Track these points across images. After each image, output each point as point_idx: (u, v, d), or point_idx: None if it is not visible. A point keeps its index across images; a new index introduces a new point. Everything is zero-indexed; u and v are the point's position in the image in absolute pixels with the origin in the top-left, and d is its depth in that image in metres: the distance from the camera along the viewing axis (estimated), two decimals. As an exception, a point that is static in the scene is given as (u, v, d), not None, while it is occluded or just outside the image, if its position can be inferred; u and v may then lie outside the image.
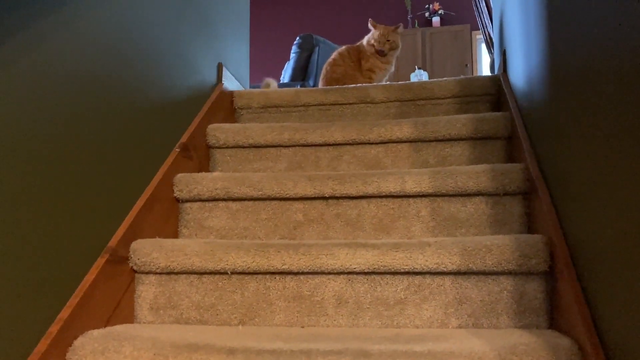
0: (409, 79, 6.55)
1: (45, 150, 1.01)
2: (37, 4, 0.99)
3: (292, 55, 4.04)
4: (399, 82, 1.93)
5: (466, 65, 6.86)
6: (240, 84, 2.25)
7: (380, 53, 2.42)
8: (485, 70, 7.00)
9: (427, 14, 7.24)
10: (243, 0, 2.40)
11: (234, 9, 2.24)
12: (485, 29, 2.91)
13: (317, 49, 3.98)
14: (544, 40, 1.23)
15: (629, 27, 0.73)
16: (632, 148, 0.73)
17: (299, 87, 3.79)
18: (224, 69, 2.02)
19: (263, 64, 7.50)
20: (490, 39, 2.73)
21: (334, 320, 1.20)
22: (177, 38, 1.62)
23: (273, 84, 2.32)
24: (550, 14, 1.18)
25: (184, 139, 1.63)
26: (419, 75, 5.77)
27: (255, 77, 7.29)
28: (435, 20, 7.16)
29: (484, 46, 6.87)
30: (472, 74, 6.86)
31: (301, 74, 3.95)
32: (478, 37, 6.97)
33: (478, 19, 3.01)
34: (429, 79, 6.51)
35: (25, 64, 0.96)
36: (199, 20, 1.81)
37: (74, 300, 1.06)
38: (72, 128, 1.10)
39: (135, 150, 1.36)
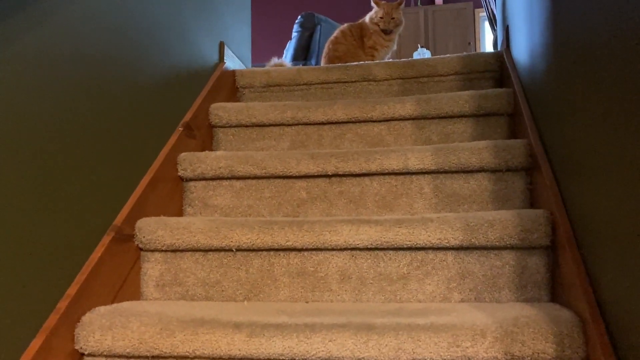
0: (412, 57, 6.50)
1: (50, 130, 1.01)
2: (38, -19, 0.99)
3: (294, 35, 4.02)
4: (402, 60, 1.93)
5: (469, 43, 6.80)
6: (242, 63, 2.25)
7: (386, 32, 2.40)
8: (489, 48, 6.94)
9: (429, -8, 7.15)
10: (244, -22, 2.38)
11: (235, -13, 2.22)
12: (489, 6, 2.88)
13: (318, 27, 3.95)
14: (547, 16, 1.22)
15: (635, 2, 0.73)
16: (635, 123, 0.73)
17: (301, 65, 3.78)
18: (225, 47, 2.01)
19: (265, 44, 7.45)
20: (493, 15, 2.71)
21: (338, 296, 1.22)
22: (178, 16, 1.62)
23: (286, 65, 2.31)
24: (553, -13, 1.17)
25: (187, 118, 1.63)
26: (422, 54, 5.73)
27: (258, 56, 7.25)
28: (438, -3, 7.07)
29: (487, 24, 6.80)
30: (475, 52, 6.81)
31: (303, 53, 3.93)
32: (481, 14, 6.90)
33: (481, -4, 2.98)
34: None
35: (29, 40, 0.96)
36: (200, -2, 1.80)
37: (81, 277, 1.08)
38: (76, 107, 1.10)
39: (138, 129, 1.36)
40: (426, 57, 5.64)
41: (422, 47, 6.20)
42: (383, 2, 2.46)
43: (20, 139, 0.94)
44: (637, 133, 0.72)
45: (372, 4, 2.49)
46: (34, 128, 0.97)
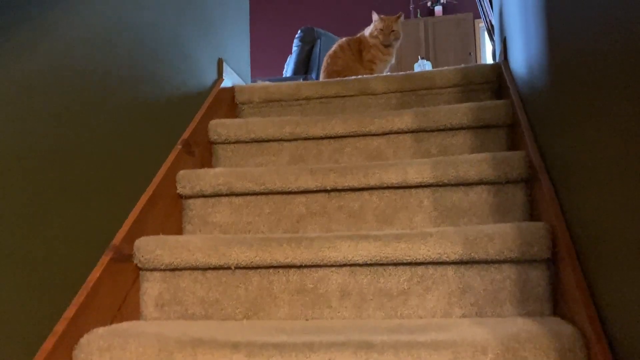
0: (413, 69, 6.53)
1: (48, 149, 1.01)
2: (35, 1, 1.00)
3: (294, 49, 4.04)
4: (400, 73, 1.93)
5: (470, 53, 6.82)
6: (242, 78, 2.25)
7: (386, 45, 2.42)
8: (489, 58, 6.96)
9: (429, 3, 7.19)
10: (242, -5, 2.39)
11: (233, 4, 2.24)
12: (487, 17, 2.89)
13: (318, 41, 3.97)
14: (543, 28, 1.22)
15: (627, 13, 0.73)
16: (632, 134, 0.73)
17: (301, 80, 3.79)
18: (224, 64, 2.02)
19: (265, 58, 7.49)
20: (492, 26, 2.72)
21: (338, 313, 1.21)
22: (177, 34, 1.63)
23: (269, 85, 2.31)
24: (547, 1, 1.17)
25: (185, 135, 1.64)
26: (422, 65, 5.75)
27: (257, 71, 7.28)
28: (438, 9, 7.11)
29: (487, 34, 6.82)
30: (476, 62, 6.82)
31: (303, 67, 3.95)
32: (481, 25, 6.93)
33: (479, 7, 3.00)
34: (433, 68, 6.49)
35: (28, 59, 0.96)
36: (198, 16, 1.81)
37: (79, 299, 1.07)
38: (73, 125, 1.10)
39: (137, 147, 1.36)
40: (427, 68, 5.66)
41: (422, 58, 6.22)
42: (382, 15, 2.47)
43: (15, 157, 0.94)
44: (635, 144, 0.72)
45: (374, 17, 2.50)
46: (30, 147, 0.97)
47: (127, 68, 1.33)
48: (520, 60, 1.55)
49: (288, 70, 4.06)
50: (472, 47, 6.83)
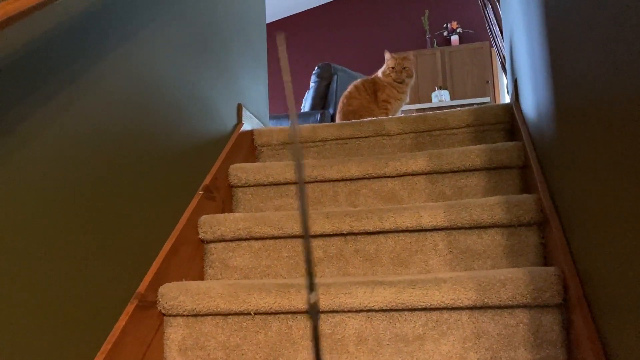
0: (430, 99, 6.58)
1: (74, 204, 1.08)
2: (69, 68, 1.07)
3: (312, 85, 4.12)
4: (414, 115, 1.98)
5: (487, 81, 6.85)
6: (260, 121, 2.32)
7: (399, 81, 2.48)
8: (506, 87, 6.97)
9: (445, 33, 7.28)
10: (260, 40, 2.48)
11: (251, 50, 2.33)
12: (500, 52, 2.94)
13: (335, 77, 4.05)
14: (549, 76, 1.26)
15: (628, 67, 0.77)
16: (637, 180, 0.76)
17: (319, 115, 3.86)
18: (243, 109, 2.10)
19: (283, 94, 7.62)
20: (505, 60, 2.76)
21: (356, 358, 1.24)
22: (196, 85, 1.70)
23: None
24: (552, 49, 1.21)
25: (206, 181, 1.70)
26: (440, 95, 5.80)
27: (276, 107, 7.41)
28: (454, 38, 7.19)
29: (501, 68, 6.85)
30: (494, 90, 6.85)
31: (321, 103, 4.02)
32: (496, 56, 6.96)
33: (492, 42, 3.05)
34: (450, 98, 6.53)
35: (56, 125, 1.03)
36: (218, 65, 1.90)
37: (107, 347, 1.12)
38: (99, 181, 1.17)
39: (160, 196, 1.43)
40: (444, 98, 5.70)
41: (440, 87, 6.27)
42: (394, 54, 2.54)
43: (51, 212, 1.00)
44: (636, 190, 0.75)
45: (386, 55, 2.57)
46: (64, 201, 1.04)
47: (150, 124, 1.40)
48: (530, 103, 1.58)
49: (306, 105, 4.14)
50: (489, 75, 6.87)
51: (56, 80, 1.05)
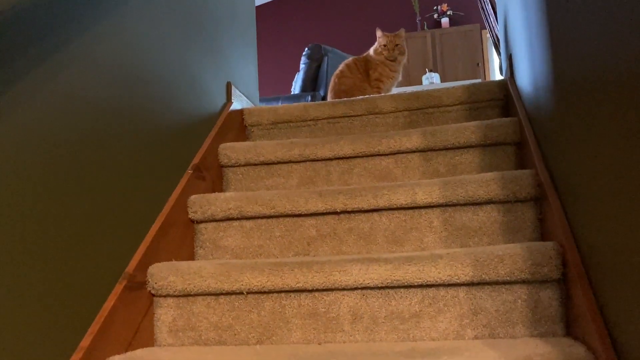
0: (421, 82, 6.54)
1: (60, 180, 1.04)
2: (60, 36, 1.02)
3: (302, 66, 4.07)
4: (407, 92, 1.94)
5: (478, 64, 6.83)
6: (250, 101, 2.28)
7: (392, 59, 2.44)
8: (497, 69, 6.95)
9: (435, 16, 7.23)
10: (249, 20, 2.43)
11: (240, 29, 2.27)
12: (493, 31, 2.90)
13: (326, 58, 4.00)
14: (547, 48, 1.23)
15: (629, 35, 0.74)
16: (637, 153, 0.73)
17: (309, 97, 3.81)
18: (233, 87, 2.05)
19: (273, 76, 7.55)
20: (498, 39, 2.73)
21: (351, 336, 1.21)
22: (186, 62, 1.66)
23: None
24: (551, 21, 1.18)
25: (196, 160, 1.66)
26: (430, 78, 5.76)
27: (266, 89, 7.34)
28: (444, 21, 7.15)
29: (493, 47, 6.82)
30: (485, 73, 6.83)
31: (311, 85, 3.98)
32: (488, 36, 6.94)
33: (485, 21, 3.01)
34: (441, 80, 6.50)
35: (44, 92, 0.99)
36: (207, 42, 1.85)
37: (94, 328, 1.09)
38: (86, 156, 1.13)
39: (149, 174, 1.39)
40: (435, 80, 5.67)
41: (430, 70, 6.23)
42: (386, 33, 2.50)
43: (30, 189, 0.96)
44: (635, 162, 0.72)
45: (377, 33, 2.53)
46: (47, 178, 0.99)
47: (138, 100, 1.36)
48: (526, 78, 1.55)
49: (296, 87, 4.09)
50: (479, 58, 6.84)
51: (43, 47, 1.00)
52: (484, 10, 2.99)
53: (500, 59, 2.70)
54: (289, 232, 1.50)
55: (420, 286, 1.20)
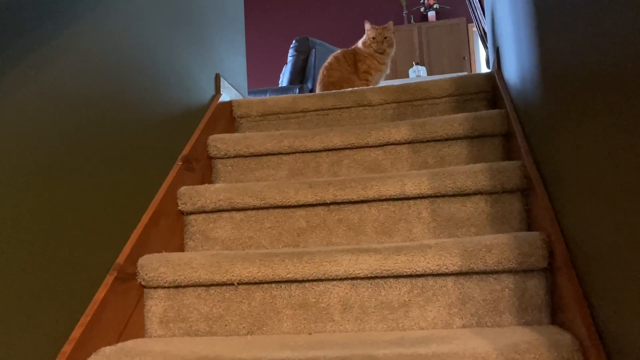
0: (408, 75, 6.56)
1: (51, 172, 1.03)
2: (44, 27, 1.02)
3: (290, 59, 4.07)
4: (395, 84, 1.95)
5: (464, 57, 6.86)
6: (239, 92, 2.28)
7: (381, 52, 2.45)
8: (484, 62, 7.00)
9: (422, 9, 7.24)
10: (237, 10, 2.42)
11: (228, 20, 2.26)
12: (480, 24, 2.92)
13: (313, 51, 4.00)
14: (534, 41, 1.25)
15: (617, 29, 0.75)
16: (623, 145, 0.75)
17: (297, 90, 3.81)
18: (221, 79, 2.04)
19: (261, 69, 7.53)
20: (485, 33, 2.75)
21: (341, 326, 1.23)
22: (173, 53, 1.65)
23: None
24: (538, 14, 1.19)
25: (185, 151, 1.66)
26: (417, 71, 5.78)
27: (254, 82, 7.32)
28: (431, 14, 7.16)
29: (480, 40, 6.86)
30: (471, 67, 6.87)
31: (299, 77, 3.97)
32: (474, 29, 6.97)
33: (472, 14, 3.03)
34: (427, 74, 6.52)
35: (32, 85, 0.98)
36: (194, 33, 1.84)
37: (85, 319, 1.09)
38: (74, 149, 1.12)
39: (138, 166, 1.38)
40: (422, 74, 5.69)
41: (417, 64, 6.25)
42: (374, 25, 2.50)
43: (20, 181, 0.95)
44: (625, 152, 0.74)
45: (366, 26, 2.53)
46: (34, 171, 0.99)
47: (126, 91, 1.35)
48: (514, 71, 1.57)
49: (284, 80, 4.09)
50: (465, 51, 6.88)
51: (27, 40, 0.99)
52: (470, 3, 3.00)
53: (487, 52, 2.72)
54: (279, 223, 1.51)
55: (409, 276, 1.21)
